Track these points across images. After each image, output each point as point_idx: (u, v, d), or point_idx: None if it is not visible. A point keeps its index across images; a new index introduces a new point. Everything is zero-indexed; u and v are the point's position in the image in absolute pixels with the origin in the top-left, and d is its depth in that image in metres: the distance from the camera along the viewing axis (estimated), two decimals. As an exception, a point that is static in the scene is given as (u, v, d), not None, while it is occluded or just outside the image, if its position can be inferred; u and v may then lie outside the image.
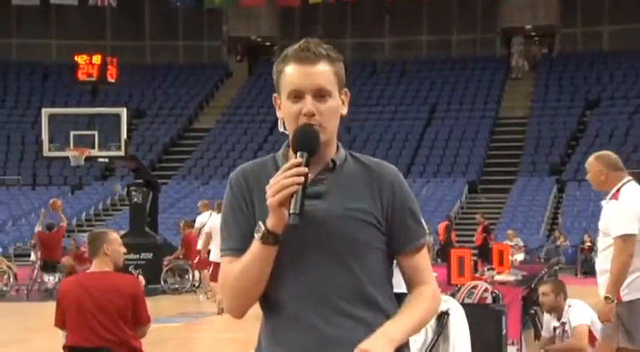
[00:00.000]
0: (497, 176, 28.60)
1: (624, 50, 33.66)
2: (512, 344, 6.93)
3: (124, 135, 19.73)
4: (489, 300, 5.65)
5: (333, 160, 2.22)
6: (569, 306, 6.51)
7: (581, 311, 6.51)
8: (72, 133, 20.46)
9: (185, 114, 34.90)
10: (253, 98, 35.34)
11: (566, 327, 6.46)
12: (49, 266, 16.96)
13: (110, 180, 31.45)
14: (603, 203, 5.48)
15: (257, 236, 2.13)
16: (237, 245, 2.20)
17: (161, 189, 21.80)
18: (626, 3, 33.60)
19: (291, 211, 2.07)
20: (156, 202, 19.46)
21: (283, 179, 2.08)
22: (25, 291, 17.04)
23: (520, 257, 22.28)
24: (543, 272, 9.30)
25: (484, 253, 18.96)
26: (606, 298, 5.11)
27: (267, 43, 38.56)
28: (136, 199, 18.71)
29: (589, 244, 23.91)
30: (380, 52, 35.71)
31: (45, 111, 20.82)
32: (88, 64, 33.84)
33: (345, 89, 2.26)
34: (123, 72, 34.32)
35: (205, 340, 11.69)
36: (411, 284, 2.26)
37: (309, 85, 2.17)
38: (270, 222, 2.11)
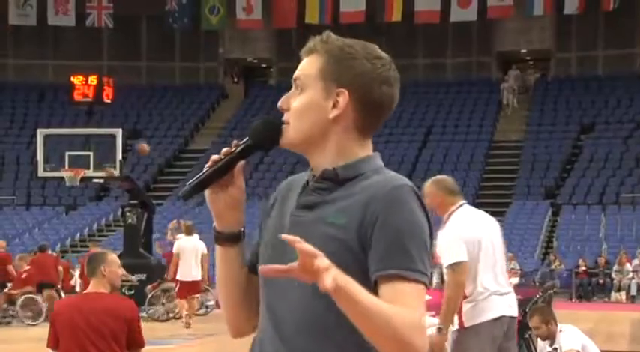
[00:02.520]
0: (492, 199, 28.60)
1: (619, 75, 33.81)
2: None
3: (119, 155, 19.75)
4: None
5: (335, 169, 1.91)
6: (561, 331, 6.51)
7: (572, 336, 6.51)
8: (67, 154, 20.47)
9: (181, 135, 34.93)
10: (249, 119, 35.34)
11: (559, 352, 6.46)
12: (43, 287, 16.86)
13: (105, 200, 31.40)
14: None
15: None
16: (249, 256, 2.03)
17: (156, 210, 21.76)
18: (621, 28, 33.79)
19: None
20: (150, 223, 19.43)
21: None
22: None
23: (515, 280, 22.26)
24: (538, 296, 9.28)
25: (479, 276, 18.90)
26: (439, 329, 5.08)
27: (264, 65, 38.67)
28: (130, 220, 18.69)
29: (584, 268, 23.89)
30: (376, 75, 35.72)
31: (40, 132, 20.85)
32: (84, 85, 33.87)
33: (343, 89, 1.92)
34: (119, 92, 34.36)
35: (198, 362, 11.62)
36: None
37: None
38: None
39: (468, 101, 34.74)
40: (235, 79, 38.45)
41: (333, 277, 1.66)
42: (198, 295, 15.28)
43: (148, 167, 32.87)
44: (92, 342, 4.90)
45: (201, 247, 14.89)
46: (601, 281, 23.80)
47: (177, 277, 14.66)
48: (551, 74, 36.03)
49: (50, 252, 18.80)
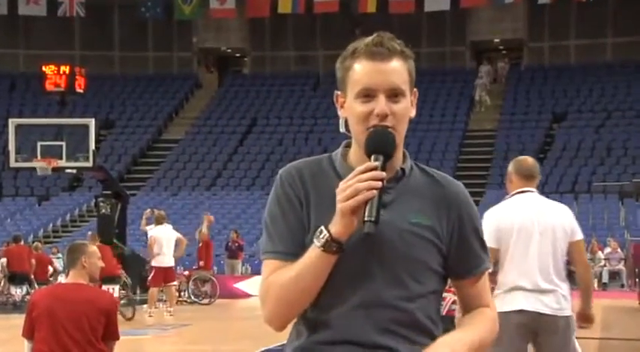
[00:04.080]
0: (467, 188, 28.58)
1: (590, 64, 34.09)
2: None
3: (92, 145, 19.63)
4: (457, 313, 5.66)
5: (402, 168, 2.05)
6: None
7: None
8: (39, 144, 20.31)
9: (154, 125, 34.75)
10: (223, 109, 35.27)
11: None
12: (16, 278, 16.76)
13: (78, 191, 31.21)
14: None
15: (318, 242, 1.93)
16: (286, 248, 2.01)
17: (129, 200, 21.67)
18: (592, 18, 34.06)
19: (366, 218, 1.89)
20: (124, 213, 19.40)
21: (358, 183, 1.88)
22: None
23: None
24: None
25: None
26: None
27: (237, 55, 38.54)
28: (104, 210, 18.65)
29: (556, 256, 24.13)
30: (350, 65, 35.74)
31: (12, 122, 20.66)
32: (55, 74, 33.57)
33: (415, 89, 2.08)
34: (91, 82, 34.11)
35: (174, 352, 11.60)
36: (470, 307, 2.11)
37: (383, 83, 1.98)
38: (336, 228, 1.91)
39: (442, 91, 34.87)
40: (210, 69, 38.28)
41: None
42: (174, 283, 15.42)
43: (122, 157, 32.70)
44: (68, 333, 4.88)
45: (174, 234, 15.13)
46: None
47: (153, 264, 14.85)
48: (524, 63, 36.24)
49: (23, 243, 18.67)
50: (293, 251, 2.00)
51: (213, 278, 18.18)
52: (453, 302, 5.75)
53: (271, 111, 34.29)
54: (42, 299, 5.03)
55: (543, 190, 29.19)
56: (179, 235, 15.27)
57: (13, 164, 20.14)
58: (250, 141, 33.01)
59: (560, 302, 5.07)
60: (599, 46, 34.54)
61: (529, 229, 5.06)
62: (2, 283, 17.11)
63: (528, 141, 31.34)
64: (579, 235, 5.23)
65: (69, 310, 4.89)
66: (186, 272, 18.49)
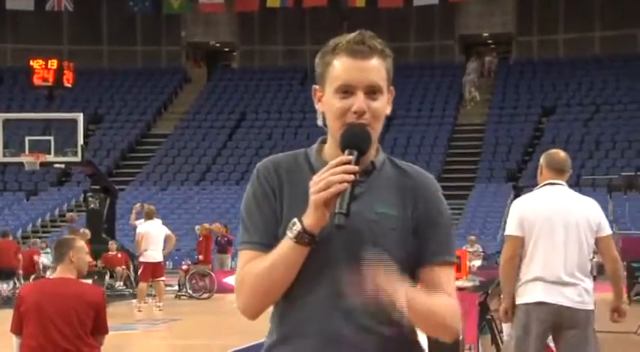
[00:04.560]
0: (455, 182, 28.83)
1: (579, 58, 34.19)
2: (469, 349, 6.98)
3: (80, 140, 19.58)
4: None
5: (372, 162, 2.09)
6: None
7: None
8: (27, 138, 20.26)
9: (143, 119, 34.67)
10: (212, 104, 35.21)
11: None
12: (2, 273, 16.70)
13: (66, 185, 31.12)
14: None
15: (290, 234, 1.97)
16: (261, 239, 2.05)
17: (118, 195, 21.64)
18: (580, 12, 34.14)
19: (337, 210, 1.92)
20: (113, 208, 19.38)
21: (331, 176, 1.94)
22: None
23: (478, 263, 22.50)
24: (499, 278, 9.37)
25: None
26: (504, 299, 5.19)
27: (226, 49, 38.47)
28: (92, 205, 18.64)
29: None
30: (339, 59, 35.72)
31: (-1, 116, 20.58)
32: (43, 69, 33.44)
33: (392, 87, 2.13)
34: (80, 77, 33.99)
35: (163, 347, 11.60)
36: None
37: (362, 80, 2.03)
38: (309, 220, 1.95)
39: (431, 85, 34.90)
40: (199, 64, 38.19)
41: (405, 295, 1.94)
42: (163, 278, 15.36)
43: (111, 152, 32.62)
44: (57, 328, 4.87)
45: (164, 230, 15.11)
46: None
47: (141, 259, 14.84)
48: (512, 58, 36.31)
49: (12, 238, 18.62)
50: (268, 242, 2.04)
51: (212, 273, 18.04)
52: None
53: (260, 106, 34.25)
54: (30, 294, 5.02)
55: (532, 184, 29.44)
56: (168, 232, 15.21)
57: (0, 159, 20.09)
58: (239, 135, 32.98)
59: (581, 295, 5.02)
60: (588, 39, 34.62)
61: (554, 221, 5.02)
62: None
63: (517, 135, 31.41)
64: (607, 230, 5.19)
65: (57, 304, 4.88)
66: (184, 267, 18.39)
